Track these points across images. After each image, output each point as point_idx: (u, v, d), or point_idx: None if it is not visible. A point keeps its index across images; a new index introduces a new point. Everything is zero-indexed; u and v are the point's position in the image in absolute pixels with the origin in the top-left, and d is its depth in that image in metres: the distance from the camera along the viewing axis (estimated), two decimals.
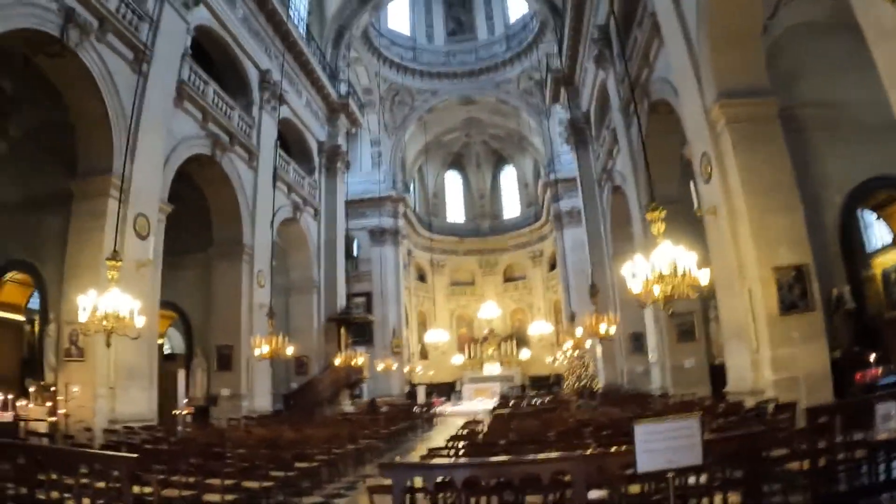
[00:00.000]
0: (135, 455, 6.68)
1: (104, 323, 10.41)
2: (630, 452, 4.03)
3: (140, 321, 11.08)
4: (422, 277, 44.62)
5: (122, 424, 12.41)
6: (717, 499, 4.88)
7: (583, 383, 27.44)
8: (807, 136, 13.20)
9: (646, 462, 3.98)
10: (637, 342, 20.51)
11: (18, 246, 16.18)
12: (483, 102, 39.05)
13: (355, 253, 35.98)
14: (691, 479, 4.73)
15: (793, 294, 10.25)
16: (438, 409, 29.57)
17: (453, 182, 48.68)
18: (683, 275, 8.36)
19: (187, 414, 17.60)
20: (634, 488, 5.04)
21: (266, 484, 7.65)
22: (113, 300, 10.54)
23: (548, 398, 25.82)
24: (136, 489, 6.35)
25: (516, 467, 4.96)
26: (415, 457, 12.92)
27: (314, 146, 28.04)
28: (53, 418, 12.09)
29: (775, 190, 10.75)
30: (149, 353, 14.37)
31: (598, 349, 26.03)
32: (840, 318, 12.26)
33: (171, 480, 7.10)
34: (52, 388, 12.65)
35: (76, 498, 6.07)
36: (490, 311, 42.15)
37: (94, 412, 12.31)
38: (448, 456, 8.46)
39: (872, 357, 11.04)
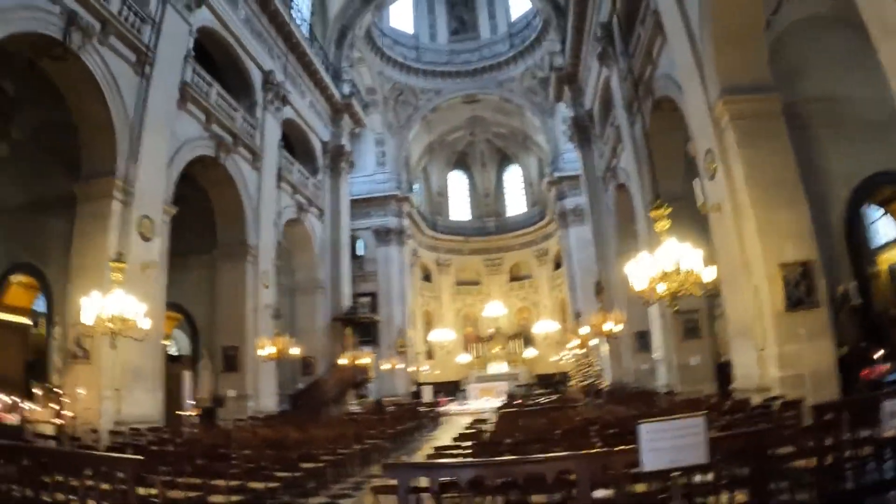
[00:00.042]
0: (140, 457, 6.69)
1: (109, 325, 10.44)
2: (635, 451, 4.01)
3: (145, 323, 11.11)
4: (427, 277, 44.64)
5: (128, 426, 12.40)
6: (724, 497, 4.84)
7: (589, 381, 27.37)
8: (811, 132, 13.14)
9: (651, 461, 3.95)
10: (643, 340, 20.44)
11: (23, 248, 16.25)
12: (487, 101, 39.00)
13: (360, 253, 35.97)
14: (697, 478, 4.70)
15: (799, 291, 10.20)
16: (444, 409, 29.57)
17: (458, 181, 48.68)
18: (688, 272, 8.34)
19: (194, 415, 17.64)
20: (640, 487, 5.01)
21: (271, 485, 7.65)
22: (118, 302, 10.56)
23: (554, 396, 25.82)
24: (141, 491, 6.34)
25: (520, 467, 4.94)
26: (421, 456, 12.90)
27: (318, 146, 28.09)
28: (59, 420, 12.10)
29: (780, 186, 10.70)
30: (154, 355, 14.39)
31: (604, 347, 25.99)
32: (846, 314, 12.20)
33: (177, 482, 7.10)
34: (58, 391, 12.66)
35: (81, 500, 6.07)
36: (495, 310, 42.23)
37: (100, 414, 12.31)
38: (454, 455, 8.46)
39: (879, 353, 10.98)
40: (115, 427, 12.29)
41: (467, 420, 17.33)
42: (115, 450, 9.45)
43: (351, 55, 31.01)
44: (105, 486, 6.11)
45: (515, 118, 39.75)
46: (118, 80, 13.89)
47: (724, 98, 11.13)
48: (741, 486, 4.99)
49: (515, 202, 47.81)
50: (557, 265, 41.32)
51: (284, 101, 23.27)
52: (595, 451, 5.77)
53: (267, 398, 20.05)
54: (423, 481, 4.85)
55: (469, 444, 9.18)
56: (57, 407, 12.35)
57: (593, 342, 25.97)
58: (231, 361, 19.10)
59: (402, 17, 39.22)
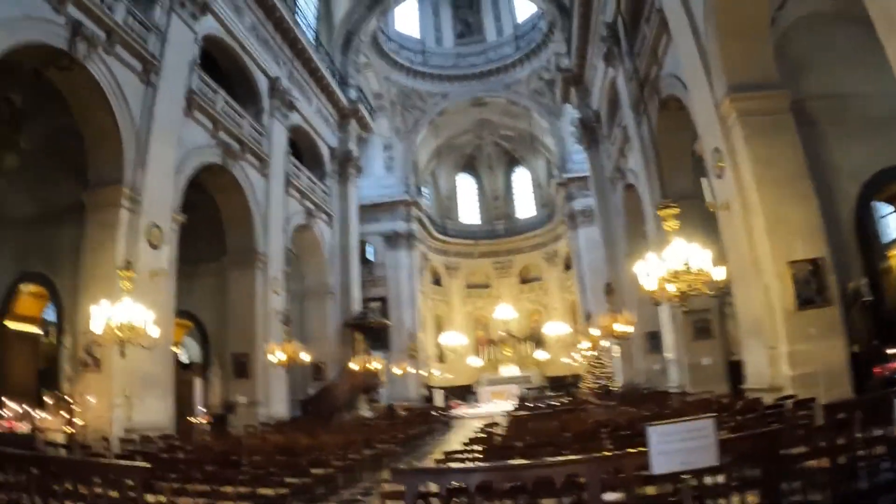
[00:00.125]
0: (147, 464, 6.67)
1: (118, 333, 10.47)
2: (645, 454, 3.96)
3: (154, 331, 11.13)
4: (437, 281, 44.66)
5: (139, 433, 12.42)
6: (735, 499, 4.78)
7: (600, 383, 27.27)
8: (818, 128, 13.02)
9: (660, 464, 3.91)
10: (654, 340, 20.33)
11: (33, 258, 16.34)
12: (494, 104, 39.05)
13: (370, 258, 36.02)
14: (708, 480, 4.65)
15: (809, 288, 10.12)
16: (456, 412, 29.55)
17: (466, 184, 48.68)
18: (697, 271, 8.29)
19: (205, 422, 17.65)
20: (650, 490, 4.96)
21: (281, 491, 7.62)
22: (126, 310, 10.58)
23: (566, 399, 25.73)
24: (150, 498, 6.34)
25: (529, 471, 4.90)
26: (432, 461, 12.87)
27: (326, 152, 28.12)
28: (70, 429, 12.13)
29: (788, 183, 10.62)
30: (164, 362, 14.42)
31: (616, 348, 25.89)
32: (857, 311, 12.06)
33: (186, 489, 7.10)
34: (69, 399, 12.69)
35: None
36: (506, 313, 42.17)
37: (111, 422, 12.33)
38: (463, 460, 8.42)
39: (892, 350, 10.86)
40: (125, 435, 12.31)
41: (479, 424, 17.27)
42: (125, 457, 9.45)
43: (357, 60, 31.05)
44: (114, 494, 6.10)
45: (523, 120, 39.72)
46: (124, 88, 13.95)
47: (731, 96, 11.05)
48: (752, 488, 4.93)
49: (524, 204, 47.77)
50: (567, 267, 41.21)
51: (291, 107, 23.31)
52: (604, 454, 5.73)
53: (277, 404, 20.05)
54: (432, 486, 4.83)
55: (479, 448, 9.14)
56: (68, 415, 12.39)
57: (605, 343, 25.84)
58: (241, 368, 19.11)
59: (407, 21, 39.31)
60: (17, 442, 11.41)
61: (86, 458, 8.73)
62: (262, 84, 21.70)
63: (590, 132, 26.98)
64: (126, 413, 12.76)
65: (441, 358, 42.98)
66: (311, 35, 26.57)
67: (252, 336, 19.34)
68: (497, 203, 47.70)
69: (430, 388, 37.37)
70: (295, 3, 24.75)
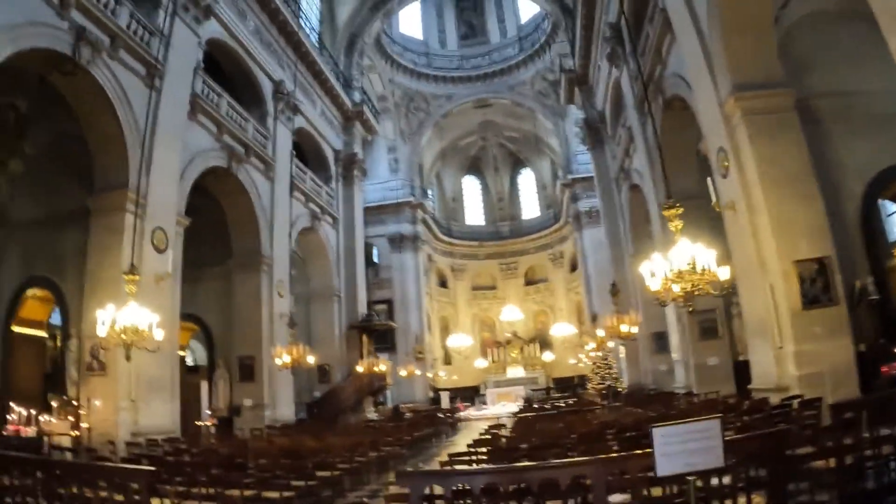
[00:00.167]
0: (152, 468, 6.68)
1: (123, 337, 10.47)
2: (650, 455, 3.94)
3: (159, 334, 11.12)
4: (443, 283, 44.66)
5: (145, 437, 12.46)
6: (741, 500, 4.75)
7: (607, 384, 27.21)
8: (823, 127, 12.96)
9: (665, 466, 3.89)
10: (660, 341, 20.30)
11: (39, 262, 16.37)
12: (498, 105, 39.05)
13: (375, 260, 36.01)
14: (714, 481, 4.62)
15: (815, 288, 10.06)
16: (462, 414, 29.55)
17: (471, 186, 48.68)
18: (703, 271, 8.25)
19: (211, 425, 17.67)
20: (656, 491, 4.93)
21: (286, 494, 7.60)
22: (131, 314, 10.58)
23: (572, 400, 25.69)
24: (155, 502, 6.34)
25: (534, 473, 4.87)
26: (438, 463, 12.85)
27: (330, 155, 28.16)
28: (76, 432, 12.16)
29: (794, 182, 10.55)
30: (170, 366, 14.44)
31: (622, 349, 25.84)
32: (864, 310, 12.00)
33: (191, 492, 7.10)
34: (75, 403, 12.72)
35: None
36: (512, 315, 42.12)
37: (117, 425, 12.37)
38: (469, 462, 8.40)
39: None
40: (131, 438, 12.34)
41: (485, 425, 17.26)
42: (131, 461, 9.47)
43: (361, 63, 31.09)
44: (119, 498, 6.11)
45: (527, 122, 39.68)
46: (128, 93, 13.99)
47: (735, 94, 10.99)
48: (759, 488, 4.90)
49: (529, 206, 47.78)
50: (573, 268, 41.18)
51: (295, 110, 23.35)
52: (610, 455, 5.71)
53: (284, 407, 20.07)
54: (437, 489, 4.81)
55: (484, 449, 9.13)
56: (74, 419, 12.42)
57: (610, 344, 25.80)
58: (247, 371, 19.13)
59: (411, 23, 39.36)
60: (23, 446, 11.47)
61: (91, 462, 8.75)
62: (266, 87, 21.73)
63: (594, 133, 26.94)
64: (132, 416, 12.79)
65: (447, 360, 42.97)
66: (314, 38, 26.64)
67: (258, 339, 19.36)
68: (502, 204, 47.69)
69: (436, 389, 37.35)
70: (298, 7, 24.80)
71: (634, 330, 18.48)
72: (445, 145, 42.47)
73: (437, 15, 40.45)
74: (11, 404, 14.19)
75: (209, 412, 18.39)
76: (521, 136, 42.82)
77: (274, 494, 7.45)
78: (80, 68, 12.68)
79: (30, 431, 12.84)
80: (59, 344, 16.53)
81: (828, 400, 8.12)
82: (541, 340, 42.96)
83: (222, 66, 20.14)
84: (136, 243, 13.34)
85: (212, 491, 7.02)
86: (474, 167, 47.61)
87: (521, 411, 21.24)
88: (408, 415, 24.67)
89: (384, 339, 31.90)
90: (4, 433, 13.06)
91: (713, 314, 15.89)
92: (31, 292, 16.96)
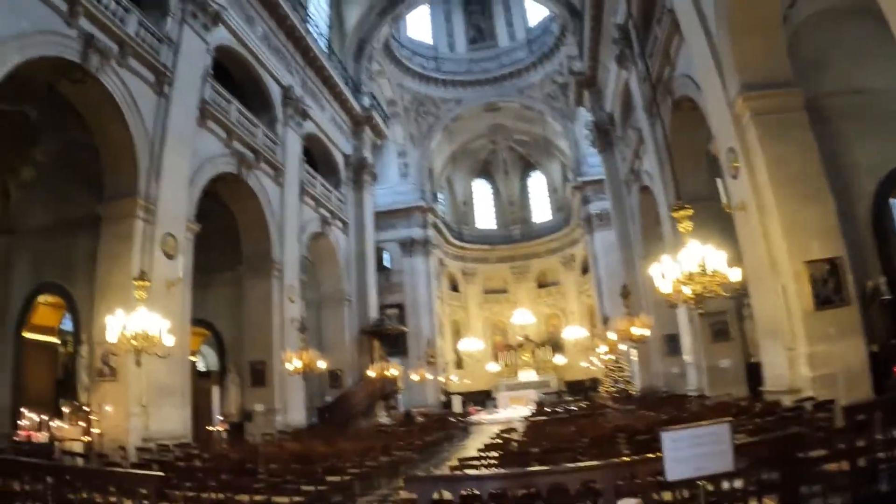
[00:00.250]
0: (161, 473, 6.69)
1: (133, 343, 10.51)
2: (660, 460, 3.90)
3: (169, 340, 11.18)
4: (454, 286, 44.64)
5: (156, 442, 12.49)
6: (753, 503, 4.70)
7: (619, 387, 27.10)
8: (833, 125, 12.84)
9: (674, 470, 3.86)
10: (672, 344, 20.19)
11: (50, 269, 16.50)
12: (508, 109, 39.04)
13: (387, 265, 36.06)
14: (725, 484, 4.57)
15: (827, 288, 9.98)
16: (474, 418, 29.49)
17: (482, 190, 48.66)
18: (713, 273, 8.20)
19: (222, 430, 17.70)
20: (667, 496, 4.89)
21: (296, 499, 7.61)
22: (141, 320, 10.63)
23: (584, 403, 25.59)
24: None
25: (543, 478, 4.84)
26: (448, 468, 12.81)
27: (340, 160, 28.21)
28: (88, 438, 12.20)
29: (804, 182, 10.48)
30: (181, 371, 14.48)
31: (633, 351, 25.72)
32: (876, 310, 11.88)
33: (201, 497, 7.09)
34: (86, 408, 12.77)
35: None
36: (524, 318, 42.07)
37: (128, 431, 12.40)
38: (479, 466, 8.36)
39: None
40: (142, 443, 12.38)
41: (497, 429, 17.21)
42: (141, 466, 9.48)
43: (370, 68, 31.15)
44: (128, 503, 6.12)
45: (537, 124, 39.66)
46: (137, 100, 14.05)
47: (744, 94, 10.94)
48: (771, 492, 4.85)
49: (540, 209, 47.69)
50: (585, 270, 41.04)
51: (305, 115, 23.40)
52: (619, 460, 5.66)
53: (295, 412, 20.08)
54: (446, 494, 4.78)
55: (495, 454, 9.09)
56: (85, 424, 12.46)
57: (622, 347, 25.68)
58: (259, 376, 19.16)
59: (419, 27, 39.38)
60: (35, 451, 11.53)
61: (100, 467, 8.78)
62: (276, 93, 21.80)
63: (604, 135, 26.88)
64: (143, 422, 12.82)
65: (459, 364, 42.93)
66: (323, 43, 26.69)
67: (269, 344, 19.38)
68: (513, 208, 47.63)
69: (448, 394, 37.31)
70: (306, 12, 24.89)
71: (646, 332, 18.41)
72: (455, 149, 42.49)
73: (446, 19, 40.46)
74: (23, 410, 14.30)
75: (220, 417, 18.42)
76: (530, 139, 42.78)
77: (284, 499, 7.45)
78: (89, 76, 12.76)
79: (41, 437, 12.91)
80: (70, 350, 16.63)
81: (841, 401, 8.03)
82: (552, 344, 42.86)
83: (231, 73, 20.21)
84: (146, 249, 13.48)
85: (222, 496, 7.01)
86: (484, 171, 47.59)
87: (532, 415, 21.15)
88: (419, 419, 24.62)
89: (396, 344, 31.89)
90: (16, 439, 13.15)
91: (724, 316, 15.81)
92: (42, 299, 17.08)
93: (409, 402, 31.13)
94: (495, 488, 4.61)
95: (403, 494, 8.18)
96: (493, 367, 42.38)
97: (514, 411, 30.44)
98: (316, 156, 26.64)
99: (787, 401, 9.85)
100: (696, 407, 13.45)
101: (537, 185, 47.89)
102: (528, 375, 40.92)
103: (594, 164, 32.69)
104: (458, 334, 43.64)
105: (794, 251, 10.26)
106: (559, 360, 41.84)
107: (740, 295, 12.43)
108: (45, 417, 13.39)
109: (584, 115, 31.42)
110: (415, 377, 31.68)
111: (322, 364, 19.76)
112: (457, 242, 43.95)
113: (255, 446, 13.60)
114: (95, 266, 13.79)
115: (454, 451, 17.66)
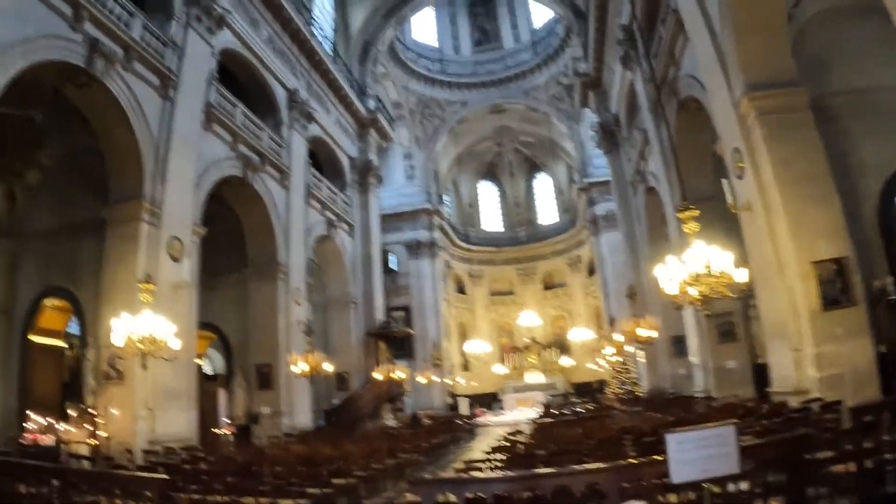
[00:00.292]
0: (166, 476, 6.70)
1: (139, 346, 10.53)
2: (665, 462, 3.88)
3: (175, 343, 11.20)
4: (461, 289, 44.61)
5: (163, 445, 12.51)
6: None
7: (625, 388, 27.02)
8: (839, 125, 12.78)
9: (679, 472, 3.84)
10: (679, 345, 20.10)
11: (56, 272, 16.55)
12: (513, 110, 39.04)
13: (393, 267, 36.02)
14: (731, 486, 4.54)
15: (834, 289, 9.91)
16: (481, 420, 29.45)
17: (488, 192, 48.63)
18: (719, 274, 8.17)
19: (229, 433, 17.72)
20: (672, 498, 4.86)
21: (301, 501, 7.60)
22: (147, 323, 10.65)
23: (591, 405, 25.53)
24: None
25: (547, 480, 4.84)
26: (454, 470, 12.79)
27: (346, 162, 28.23)
28: (94, 441, 12.22)
29: (810, 182, 10.42)
30: (187, 374, 14.51)
31: (640, 353, 25.64)
32: (883, 310, 11.81)
33: (206, 500, 7.10)
34: (93, 411, 12.79)
35: None
36: (530, 320, 42.03)
37: (134, 434, 12.42)
38: (485, 469, 8.34)
39: None
40: (149, 446, 12.40)
41: (503, 431, 17.18)
42: (147, 469, 9.49)
43: (375, 70, 31.19)
44: None
45: (542, 126, 39.64)
46: (143, 104, 14.11)
47: (749, 94, 10.88)
48: (777, 494, 4.82)
49: (546, 210, 47.61)
50: (591, 272, 40.93)
51: (310, 118, 23.43)
52: (623, 462, 5.64)
53: (301, 415, 20.08)
54: (451, 497, 4.78)
55: (501, 456, 9.07)
56: (92, 427, 12.48)
57: (629, 348, 25.61)
58: (265, 379, 19.18)
59: (424, 30, 39.40)
60: (41, 454, 11.54)
61: (106, 470, 8.79)
62: (281, 96, 21.83)
63: (609, 136, 26.81)
64: (149, 425, 12.85)
65: (466, 366, 42.84)
66: (328, 46, 26.72)
67: (275, 347, 19.40)
68: (519, 209, 47.58)
69: (454, 396, 37.24)
70: (311, 15, 24.94)
71: (653, 334, 18.36)
72: (461, 151, 42.50)
73: (451, 21, 40.48)
74: (30, 413, 14.33)
75: (227, 420, 18.44)
76: (536, 140, 42.75)
77: (289, 502, 7.45)
78: (94, 80, 12.83)
79: (48, 440, 12.93)
80: (76, 353, 16.67)
81: (848, 402, 7.97)
82: (559, 345, 42.78)
83: (236, 76, 20.25)
84: (151, 253, 13.51)
85: (227, 499, 7.03)
86: (490, 173, 47.58)
87: (539, 417, 21.12)
88: (426, 421, 24.61)
89: (402, 346, 31.84)
90: (23, 442, 13.19)
91: (731, 317, 15.73)
92: (48, 302, 17.14)
93: (415, 405, 31.11)
94: (500, 491, 4.59)
95: (409, 497, 8.17)
96: (500, 369, 42.31)
97: (520, 413, 30.35)
98: (321, 159, 26.67)
99: (794, 402, 9.78)
100: (703, 408, 13.41)
101: (543, 187, 47.84)
102: (534, 377, 40.80)
103: (600, 166, 32.62)
104: (464, 336, 43.59)
105: (800, 251, 10.20)
106: (566, 361, 41.74)
107: (747, 296, 12.36)
108: (51, 420, 13.42)
109: (590, 117, 31.35)
110: (421, 379, 31.64)
111: (328, 367, 19.78)
112: (463, 244, 43.92)
113: (260, 449, 13.63)
114: (101, 269, 13.83)
115: (460, 453, 17.63)
